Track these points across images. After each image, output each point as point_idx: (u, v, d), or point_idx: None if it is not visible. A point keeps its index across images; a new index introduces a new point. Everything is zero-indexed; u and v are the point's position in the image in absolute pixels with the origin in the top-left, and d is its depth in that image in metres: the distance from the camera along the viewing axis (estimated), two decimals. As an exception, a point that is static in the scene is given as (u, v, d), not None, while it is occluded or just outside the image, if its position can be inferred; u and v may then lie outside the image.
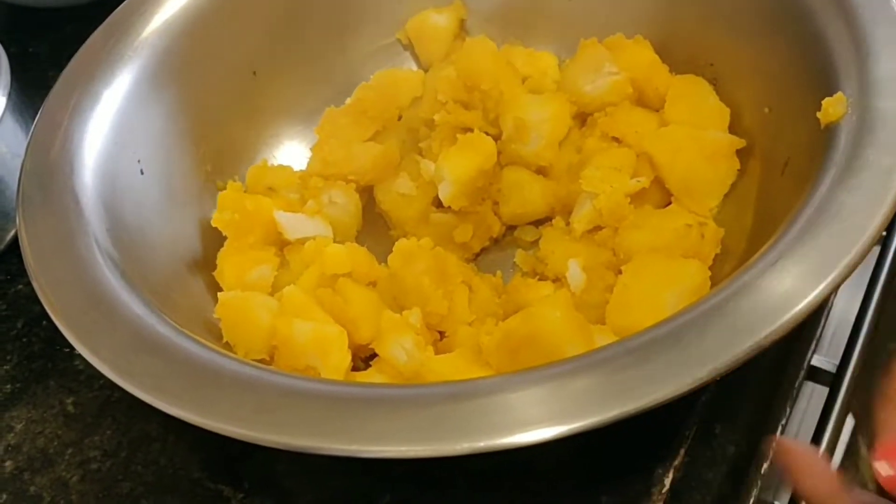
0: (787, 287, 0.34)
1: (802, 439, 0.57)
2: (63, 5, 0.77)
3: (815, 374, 0.65)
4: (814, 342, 0.50)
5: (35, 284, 0.42)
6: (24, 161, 0.48)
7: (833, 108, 0.42)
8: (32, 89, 0.65)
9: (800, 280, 0.34)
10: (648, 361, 0.33)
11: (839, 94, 0.42)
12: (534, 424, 0.32)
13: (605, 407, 0.32)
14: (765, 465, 0.44)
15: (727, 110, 0.53)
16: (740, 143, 0.51)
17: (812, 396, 0.69)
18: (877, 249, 0.61)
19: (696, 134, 0.51)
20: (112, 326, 0.39)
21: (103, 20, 0.60)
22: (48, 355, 0.55)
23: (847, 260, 0.35)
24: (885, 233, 0.60)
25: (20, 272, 0.59)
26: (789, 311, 0.33)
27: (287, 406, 0.35)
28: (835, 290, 0.34)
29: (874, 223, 0.36)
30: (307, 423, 0.34)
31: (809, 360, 0.51)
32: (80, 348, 0.39)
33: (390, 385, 0.43)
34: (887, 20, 0.43)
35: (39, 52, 0.75)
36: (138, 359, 0.38)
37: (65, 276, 0.42)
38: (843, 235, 0.35)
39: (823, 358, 0.66)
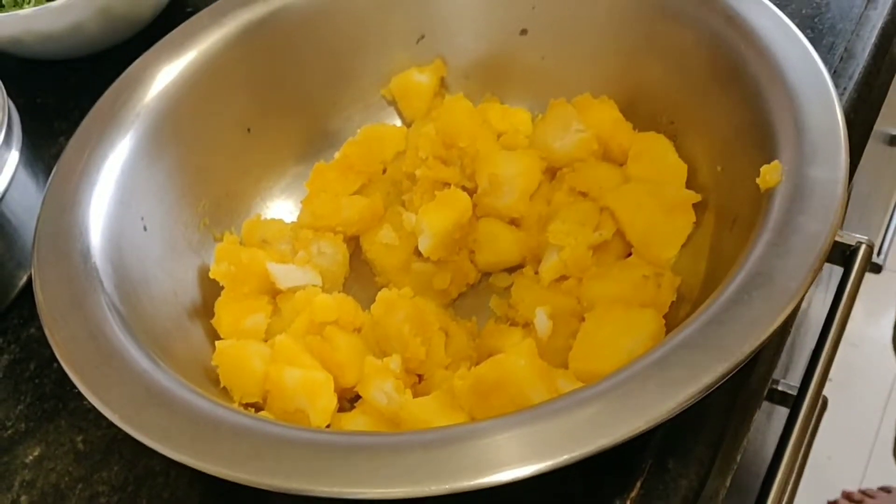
0: (718, 346, 0.38)
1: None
2: (67, 57, 0.80)
3: (775, 397, 0.69)
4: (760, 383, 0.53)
5: (51, 341, 0.45)
6: (37, 225, 0.51)
7: (770, 175, 0.45)
8: (41, 139, 0.68)
9: (726, 341, 0.38)
10: (597, 411, 0.37)
11: (776, 162, 0.45)
12: (503, 466, 0.36)
13: (562, 450, 0.36)
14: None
15: (685, 166, 0.56)
16: (696, 197, 0.54)
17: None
18: (837, 270, 0.65)
19: (656, 190, 0.54)
20: (122, 381, 0.42)
21: (106, 71, 0.63)
22: (59, 396, 0.57)
23: (775, 321, 0.38)
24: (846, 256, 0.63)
25: (32, 317, 0.61)
26: (718, 368, 0.37)
27: (278, 452, 0.38)
28: (757, 350, 0.38)
29: (802, 284, 0.39)
30: (296, 468, 0.37)
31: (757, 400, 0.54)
32: (95, 402, 0.42)
33: (372, 433, 0.46)
34: (821, 95, 0.47)
35: (46, 102, 0.78)
36: (146, 411, 0.41)
37: (78, 333, 0.45)
38: (773, 298, 0.39)
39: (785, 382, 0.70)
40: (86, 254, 0.49)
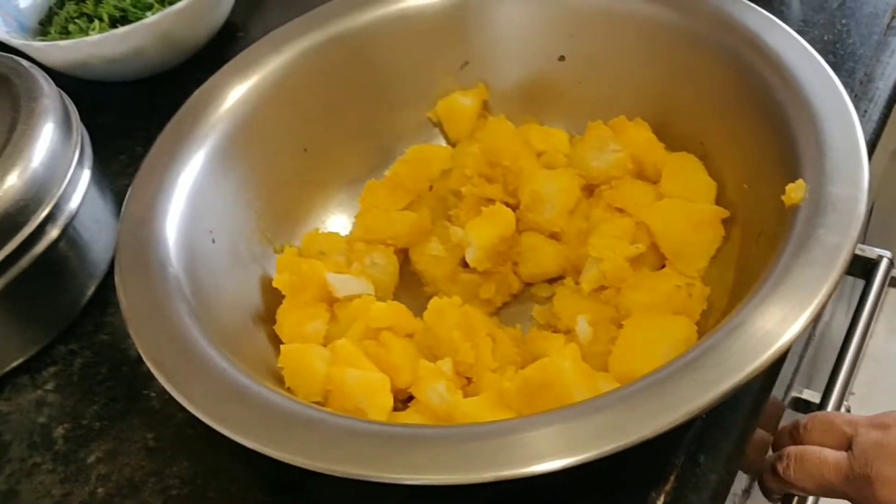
0: (744, 350, 0.41)
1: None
2: (128, 79, 0.84)
3: (799, 406, 0.72)
4: (784, 390, 0.57)
5: (137, 343, 0.49)
6: (118, 237, 0.55)
7: (795, 192, 0.48)
8: (104, 157, 0.72)
9: (755, 345, 0.41)
10: (636, 407, 0.40)
11: (800, 181, 0.48)
12: (545, 457, 0.39)
13: (601, 444, 0.39)
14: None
15: (714, 184, 0.59)
16: (724, 213, 0.57)
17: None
18: (860, 284, 0.68)
19: (687, 206, 0.58)
20: (202, 378, 0.46)
21: (163, 92, 0.67)
22: (130, 397, 0.60)
23: (797, 326, 0.42)
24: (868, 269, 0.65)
25: (103, 324, 0.65)
26: (745, 370, 0.41)
27: (345, 442, 0.42)
28: (784, 354, 0.41)
29: (822, 293, 0.43)
30: (361, 457, 0.41)
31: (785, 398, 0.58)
32: (178, 397, 0.46)
33: (428, 426, 0.49)
34: (842, 116, 0.51)
35: (108, 122, 0.81)
36: (225, 405, 0.45)
37: (160, 335, 0.49)
38: (795, 305, 0.42)
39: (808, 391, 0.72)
40: (164, 263, 0.53)
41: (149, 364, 0.48)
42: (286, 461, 0.42)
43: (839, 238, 0.45)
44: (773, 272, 0.45)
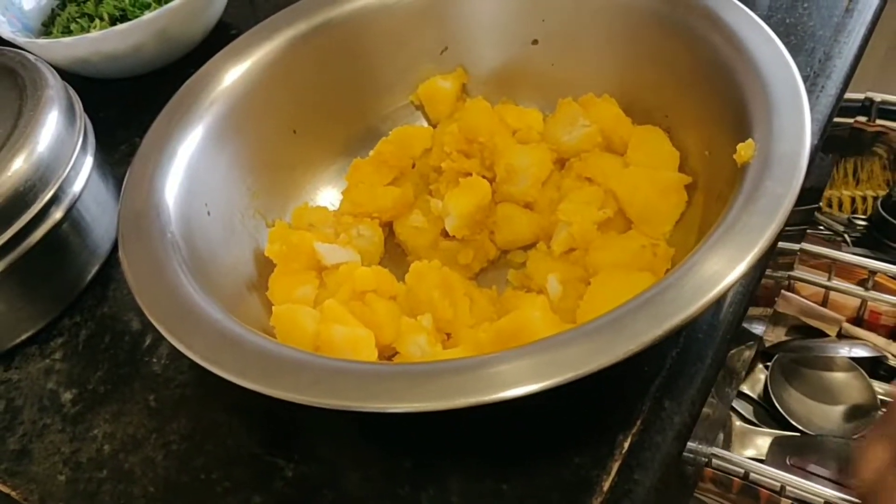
0: (697, 285, 0.45)
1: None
2: (126, 75, 0.88)
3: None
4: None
5: (139, 300, 0.52)
6: (120, 207, 0.58)
7: (745, 151, 0.52)
8: (105, 148, 0.76)
9: (703, 284, 0.45)
10: (595, 340, 0.44)
11: (749, 140, 0.52)
12: (514, 384, 0.43)
13: (565, 371, 0.43)
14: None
15: (677, 153, 0.62)
16: (687, 179, 0.60)
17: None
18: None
19: (652, 173, 0.61)
20: (200, 330, 0.50)
21: (160, 87, 0.70)
22: (131, 363, 0.64)
23: (742, 266, 0.45)
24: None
25: (105, 298, 0.69)
26: (695, 304, 0.44)
27: (333, 379, 0.45)
28: (730, 289, 0.45)
29: (766, 236, 0.46)
30: (348, 391, 0.44)
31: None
32: (179, 346, 0.49)
33: (409, 363, 0.53)
34: (789, 83, 0.54)
35: (108, 116, 0.85)
36: (223, 352, 0.48)
37: (161, 293, 0.52)
38: (742, 248, 0.46)
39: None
40: (163, 229, 0.56)
41: (150, 318, 0.51)
42: (279, 397, 0.46)
43: (783, 189, 0.48)
44: (723, 220, 0.48)
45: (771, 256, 0.49)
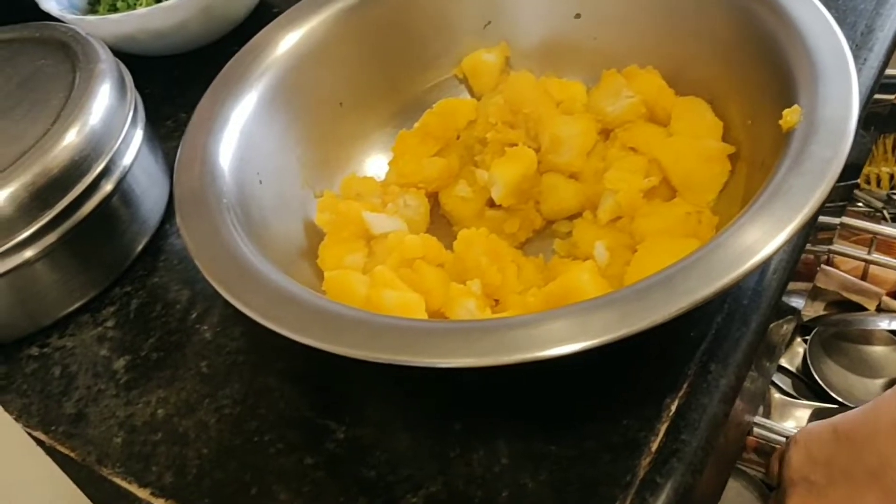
0: (747, 245, 0.45)
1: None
2: (171, 53, 0.90)
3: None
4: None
5: (197, 262, 0.53)
6: (175, 171, 0.60)
7: (791, 116, 0.52)
8: (152, 123, 0.77)
9: (755, 242, 0.45)
10: (647, 298, 0.45)
11: (795, 106, 0.52)
12: (568, 341, 0.44)
13: (614, 329, 0.44)
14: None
15: (720, 123, 0.63)
16: (730, 149, 0.61)
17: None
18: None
19: (696, 143, 0.61)
20: (257, 288, 0.51)
21: (203, 65, 0.71)
22: (183, 330, 0.65)
23: (791, 227, 0.45)
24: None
25: (155, 269, 0.71)
26: (746, 263, 0.45)
27: (390, 335, 0.46)
28: (781, 248, 0.45)
29: (814, 197, 0.47)
30: (404, 346, 0.45)
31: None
32: (239, 305, 0.50)
33: (461, 321, 0.55)
34: (834, 48, 0.55)
35: (154, 92, 0.86)
36: (280, 308, 0.49)
37: (217, 255, 0.53)
38: (792, 209, 0.46)
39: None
40: (218, 195, 0.57)
41: (208, 277, 0.52)
42: (338, 352, 0.46)
43: (830, 152, 0.49)
44: (770, 183, 0.49)
45: (813, 227, 0.49)
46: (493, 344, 0.45)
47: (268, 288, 0.51)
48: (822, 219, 0.88)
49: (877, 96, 1.02)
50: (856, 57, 0.71)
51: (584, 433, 0.53)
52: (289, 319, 0.49)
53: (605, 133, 0.67)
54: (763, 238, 0.46)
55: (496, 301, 0.60)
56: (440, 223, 0.69)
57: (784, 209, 0.47)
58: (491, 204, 0.66)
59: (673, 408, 0.53)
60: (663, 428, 0.53)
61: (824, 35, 0.56)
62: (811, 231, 0.66)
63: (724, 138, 0.63)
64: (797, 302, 0.96)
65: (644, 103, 0.66)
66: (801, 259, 0.66)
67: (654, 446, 0.52)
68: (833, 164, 0.48)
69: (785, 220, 0.47)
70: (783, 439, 0.74)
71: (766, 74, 0.59)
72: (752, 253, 0.45)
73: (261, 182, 0.63)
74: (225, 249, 0.54)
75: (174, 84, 0.89)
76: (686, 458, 0.51)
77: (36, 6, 0.87)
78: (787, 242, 0.46)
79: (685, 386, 0.54)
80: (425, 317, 0.57)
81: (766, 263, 0.46)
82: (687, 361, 0.55)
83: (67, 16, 0.84)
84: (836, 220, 0.96)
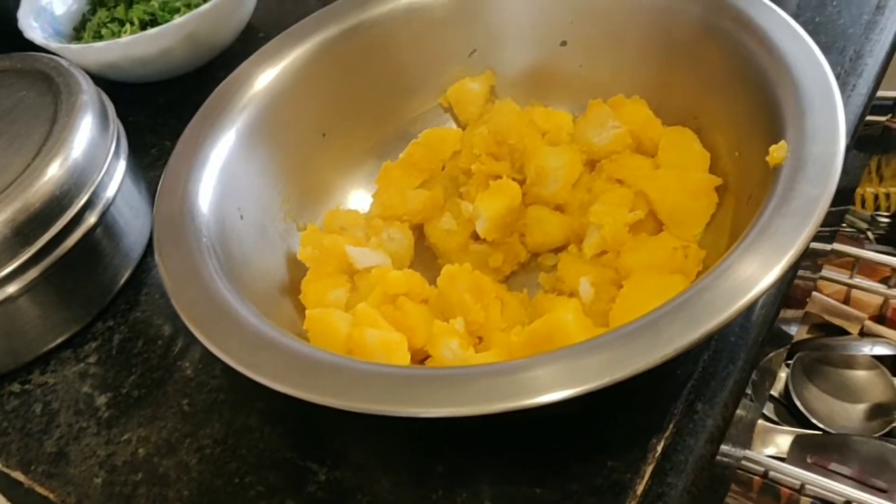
0: (733, 288, 0.44)
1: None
2: (155, 79, 0.89)
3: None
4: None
5: (175, 303, 0.52)
6: (155, 210, 0.59)
7: (777, 152, 0.51)
8: (136, 152, 0.76)
9: (743, 283, 0.44)
10: (631, 344, 0.44)
11: (782, 142, 0.52)
12: (549, 390, 0.43)
13: (600, 376, 0.43)
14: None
15: (707, 155, 0.62)
16: (717, 181, 0.60)
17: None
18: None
19: (683, 174, 0.61)
20: (235, 332, 0.50)
21: (188, 91, 0.70)
22: (164, 367, 0.64)
23: (777, 269, 0.45)
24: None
25: (137, 302, 0.69)
26: (732, 307, 0.44)
27: (369, 383, 0.45)
28: (765, 293, 0.44)
29: (801, 238, 0.46)
30: (384, 395, 0.44)
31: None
32: (214, 349, 0.49)
33: (442, 367, 0.53)
34: (821, 82, 0.54)
35: (138, 120, 0.86)
36: (258, 355, 0.48)
37: (196, 297, 0.52)
38: (777, 250, 0.45)
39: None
40: (198, 233, 0.56)
41: (186, 321, 0.52)
42: (315, 402, 0.46)
43: (818, 190, 0.48)
44: (757, 222, 0.48)
45: (804, 258, 0.49)
46: (474, 392, 0.44)
47: (246, 332, 0.50)
48: (814, 245, 0.87)
49: (869, 118, 1.02)
50: (845, 83, 0.71)
51: (568, 475, 0.53)
52: (266, 366, 0.48)
53: (591, 164, 0.67)
54: (750, 280, 0.45)
55: (480, 339, 0.59)
56: (425, 255, 0.68)
57: (771, 250, 0.46)
58: (476, 237, 0.65)
59: (659, 449, 0.53)
60: (649, 470, 0.52)
61: (811, 67, 0.55)
62: (803, 260, 0.65)
63: (712, 169, 0.62)
64: (793, 328, 0.95)
65: (631, 134, 0.65)
66: (794, 285, 0.66)
67: (640, 489, 0.51)
68: (820, 202, 0.48)
69: (772, 261, 0.46)
70: (761, 469, 0.73)
71: (753, 106, 0.58)
72: (739, 296, 0.45)
73: (242, 217, 0.62)
74: (203, 291, 0.53)
75: (159, 112, 0.88)
76: (672, 502, 0.50)
77: (20, 34, 0.86)
78: (774, 285, 0.45)
79: (671, 426, 0.54)
80: (408, 356, 0.56)
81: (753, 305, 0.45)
82: (673, 401, 0.55)
83: (52, 44, 0.83)
84: (828, 247, 0.95)
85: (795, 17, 0.61)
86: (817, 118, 0.52)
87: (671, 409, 0.54)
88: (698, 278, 0.51)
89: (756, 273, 0.45)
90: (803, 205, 0.48)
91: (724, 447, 0.58)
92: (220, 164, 0.62)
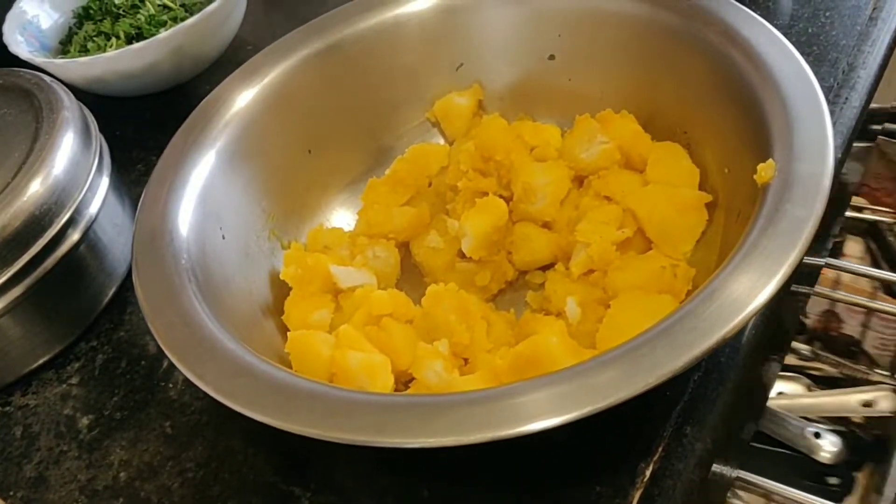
0: (715, 317, 0.43)
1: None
2: (142, 93, 0.88)
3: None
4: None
5: (152, 328, 0.51)
6: (134, 232, 0.58)
7: (765, 171, 0.50)
8: (122, 167, 0.76)
9: (725, 311, 0.43)
10: (614, 371, 0.43)
11: (770, 160, 0.51)
12: (534, 418, 0.42)
13: (585, 404, 0.42)
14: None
15: (697, 171, 0.61)
16: (707, 197, 0.59)
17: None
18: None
19: (671, 191, 0.60)
20: (212, 358, 0.49)
21: (176, 105, 0.69)
22: (148, 388, 0.63)
23: (765, 294, 0.44)
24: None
25: (121, 322, 0.69)
26: (715, 335, 0.43)
27: (348, 412, 0.44)
28: (751, 319, 0.44)
29: (788, 261, 0.45)
30: (363, 424, 0.43)
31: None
32: (190, 376, 0.48)
33: (425, 394, 0.53)
34: (810, 100, 0.53)
35: (125, 134, 0.86)
36: (234, 381, 0.47)
37: (174, 321, 0.51)
38: (763, 274, 0.44)
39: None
40: (177, 256, 0.56)
41: (163, 347, 0.51)
42: (292, 431, 0.45)
43: (805, 211, 0.47)
44: (744, 244, 0.47)
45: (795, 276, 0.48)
46: (457, 421, 0.43)
47: (224, 358, 0.49)
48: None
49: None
50: (837, 96, 0.70)
51: (555, 500, 0.52)
52: (243, 394, 0.47)
53: (579, 180, 0.66)
54: (737, 304, 0.44)
55: (465, 360, 0.58)
56: (411, 273, 0.68)
57: (758, 272, 0.45)
58: (462, 255, 0.64)
59: (647, 473, 0.52)
60: (637, 495, 0.51)
61: (800, 84, 0.54)
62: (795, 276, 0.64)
63: (702, 186, 0.62)
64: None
65: (619, 149, 0.65)
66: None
67: (628, 514, 0.50)
68: (808, 224, 0.47)
69: (760, 284, 0.45)
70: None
71: (741, 121, 0.57)
72: (723, 322, 0.44)
73: (224, 237, 0.61)
74: (181, 316, 0.52)
75: (145, 126, 0.88)
76: (660, 529, 0.50)
77: (5, 48, 0.85)
78: (762, 308, 0.44)
79: (659, 450, 0.52)
80: (391, 379, 0.55)
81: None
82: (662, 423, 0.53)
83: (36, 59, 0.82)
84: (822, 261, 0.94)
85: (788, 28, 0.60)
86: (805, 135, 0.51)
87: (659, 432, 0.53)
88: (685, 300, 0.50)
89: (743, 296, 0.44)
90: (791, 226, 0.47)
91: (718, 468, 0.57)
92: (200, 184, 0.61)
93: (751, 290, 0.45)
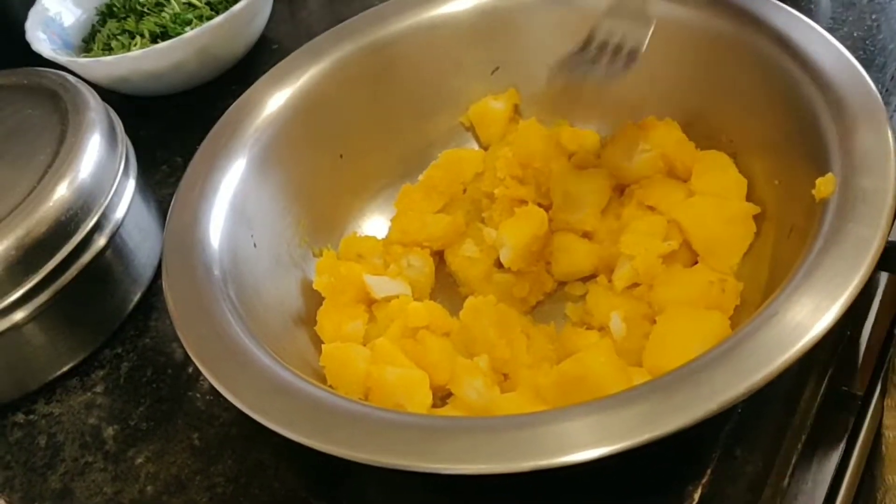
0: (778, 340, 0.42)
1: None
2: (167, 93, 0.87)
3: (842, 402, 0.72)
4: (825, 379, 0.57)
5: (184, 341, 0.50)
6: (164, 241, 0.57)
7: (825, 186, 0.48)
8: (146, 168, 0.74)
9: (787, 336, 0.41)
10: (670, 398, 0.41)
11: (830, 174, 0.49)
12: (581, 447, 0.40)
13: (636, 434, 0.40)
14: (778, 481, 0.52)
15: (744, 181, 0.59)
16: (755, 209, 0.58)
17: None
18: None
19: (718, 202, 0.58)
20: (247, 374, 0.47)
21: (201, 104, 0.68)
22: (174, 398, 0.62)
23: (828, 318, 0.42)
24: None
25: (146, 328, 0.67)
26: (777, 361, 0.41)
27: (388, 434, 0.43)
28: (815, 344, 0.41)
29: (853, 285, 0.43)
30: (404, 447, 0.42)
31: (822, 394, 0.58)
32: (225, 392, 0.47)
33: (467, 417, 0.51)
34: (870, 111, 0.51)
35: (149, 134, 0.84)
36: (270, 400, 0.46)
37: (206, 334, 0.50)
38: (826, 297, 0.43)
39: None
40: (208, 266, 0.54)
41: (195, 360, 0.49)
42: (331, 453, 0.43)
43: (869, 230, 0.45)
44: (804, 265, 0.45)
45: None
46: (502, 447, 0.41)
47: (258, 373, 0.48)
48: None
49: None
50: (886, 102, 0.67)
51: (601, 524, 0.50)
52: (279, 412, 0.45)
53: (621, 189, 0.64)
54: (800, 328, 0.42)
55: (505, 376, 0.56)
56: (446, 283, 0.66)
57: (821, 295, 0.43)
58: (499, 264, 0.62)
59: (696, 497, 0.50)
60: (685, 519, 0.49)
61: (857, 91, 0.52)
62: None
63: (749, 197, 0.60)
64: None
65: (662, 157, 0.63)
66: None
67: (676, 540, 0.48)
68: (873, 244, 0.45)
69: (823, 307, 0.43)
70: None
71: (794, 131, 0.55)
72: (788, 346, 0.42)
73: (255, 245, 0.60)
74: (214, 329, 0.50)
75: (170, 126, 0.86)
76: (709, 555, 0.48)
77: (27, 46, 0.83)
78: (826, 332, 0.42)
79: (708, 472, 0.51)
80: (429, 395, 0.53)
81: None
82: (710, 445, 0.52)
83: (60, 57, 0.81)
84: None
85: (830, 31, 0.58)
86: (865, 147, 0.49)
87: (709, 454, 0.51)
88: (742, 322, 0.48)
89: (806, 320, 0.42)
90: (855, 246, 0.45)
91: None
92: (231, 191, 0.60)
93: (814, 313, 0.43)
